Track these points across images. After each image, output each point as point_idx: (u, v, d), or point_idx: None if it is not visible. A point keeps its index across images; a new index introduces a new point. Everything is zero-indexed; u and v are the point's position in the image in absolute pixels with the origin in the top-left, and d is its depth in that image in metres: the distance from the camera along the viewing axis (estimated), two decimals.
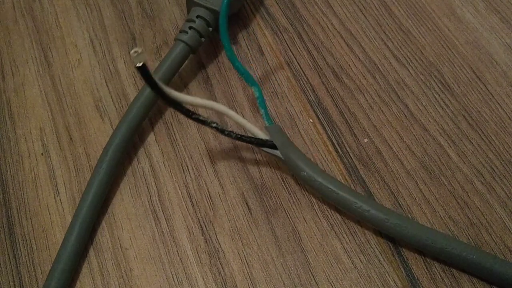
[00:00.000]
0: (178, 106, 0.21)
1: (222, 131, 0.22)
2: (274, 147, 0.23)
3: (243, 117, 0.24)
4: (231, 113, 0.23)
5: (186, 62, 0.28)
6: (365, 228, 0.23)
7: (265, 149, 0.23)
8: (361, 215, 0.22)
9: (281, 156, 0.23)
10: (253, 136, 0.23)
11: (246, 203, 0.24)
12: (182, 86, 0.27)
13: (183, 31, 0.26)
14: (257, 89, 0.24)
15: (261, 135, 0.23)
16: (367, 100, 0.27)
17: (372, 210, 0.21)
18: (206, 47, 0.29)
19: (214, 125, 0.22)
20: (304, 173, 0.22)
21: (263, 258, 0.22)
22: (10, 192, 0.25)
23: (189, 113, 0.21)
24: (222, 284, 0.22)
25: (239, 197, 0.24)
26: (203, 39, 0.26)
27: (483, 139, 0.25)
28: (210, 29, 0.27)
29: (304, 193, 0.24)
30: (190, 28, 0.26)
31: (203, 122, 0.22)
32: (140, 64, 0.18)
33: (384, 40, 0.29)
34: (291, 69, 0.28)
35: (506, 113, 0.26)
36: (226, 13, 0.24)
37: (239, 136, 0.23)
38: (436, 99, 0.26)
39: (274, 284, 0.22)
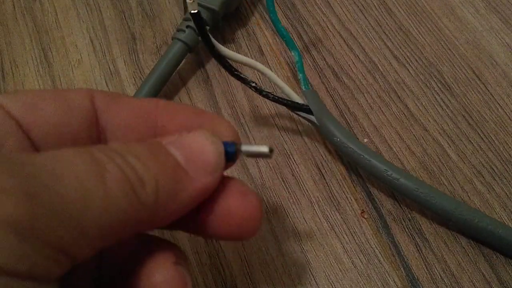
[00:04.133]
0: (223, 60, 0.21)
1: (260, 91, 0.22)
2: (309, 111, 0.23)
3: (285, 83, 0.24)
4: (271, 74, 0.23)
5: (186, 61, 0.28)
6: (365, 228, 0.23)
7: (300, 113, 0.24)
8: (391, 183, 0.22)
9: (315, 121, 0.23)
10: (289, 99, 0.23)
11: None
12: (182, 86, 0.27)
13: (180, 29, 0.26)
14: (297, 53, 0.24)
15: (297, 99, 0.23)
16: (367, 100, 0.27)
17: (402, 179, 0.22)
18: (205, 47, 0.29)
19: (253, 84, 0.22)
20: (337, 139, 0.23)
21: (263, 258, 0.22)
22: None
23: (232, 69, 0.22)
24: (222, 284, 0.22)
25: None
26: (200, 38, 0.26)
27: (482, 139, 0.25)
28: (208, 27, 0.27)
29: (304, 193, 0.24)
30: (188, 27, 0.26)
31: (243, 80, 0.22)
32: (195, 11, 0.18)
33: (384, 40, 0.29)
34: (291, 69, 0.28)
35: (506, 113, 0.26)
36: None
37: (276, 97, 0.23)
38: (436, 99, 0.26)
39: (274, 284, 0.22)
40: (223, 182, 0.15)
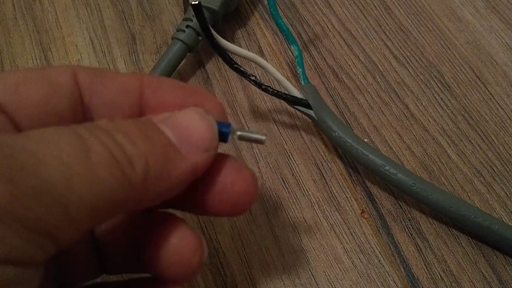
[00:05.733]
0: (223, 53, 0.21)
1: (259, 85, 0.23)
2: (308, 106, 0.23)
3: (285, 77, 0.24)
4: (271, 68, 0.23)
5: (187, 61, 0.28)
6: (365, 228, 0.23)
7: (299, 107, 0.24)
8: (389, 178, 0.22)
9: (314, 115, 0.23)
10: (288, 94, 0.23)
11: None
12: None
13: (180, 29, 0.26)
14: (296, 48, 0.24)
15: (297, 93, 0.24)
16: (367, 100, 0.27)
17: (400, 174, 0.22)
18: (206, 47, 0.29)
19: (253, 78, 0.22)
20: (335, 134, 0.23)
21: (263, 258, 0.22)
22: None
23: (232, 62, 0.22)
24: (222, 284, 0.22)
25: None
26: (200, 38, 0.26)
27: (482, 139, 0.25)
28: None
29: (304, 193, 0.24)
30: (187, 26, 0.26)
31: (243, 74, 0.22)
32: (196, 2, 0.18)
33: (384, 40, 0.29)
34: (291, 69, 0.28)
35: (505, 113, 0.26)
36: None
37: (275, 91, 0.23)
38: (436, 99, 0.26)
39: (274, 284, 0.22)
40: (218, 159, 0.15)
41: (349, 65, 0.28)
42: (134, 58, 0.28)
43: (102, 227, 0.16)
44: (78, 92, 0.14)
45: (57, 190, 0.10)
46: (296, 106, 0.24)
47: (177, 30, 0.26)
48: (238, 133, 0.15)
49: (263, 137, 0.15)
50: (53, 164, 0.10)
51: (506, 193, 0.24)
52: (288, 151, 0.25)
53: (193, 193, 0.15)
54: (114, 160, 0.12)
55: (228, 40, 0.29)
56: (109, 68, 0.28)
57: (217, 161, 0.15)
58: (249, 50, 0.29)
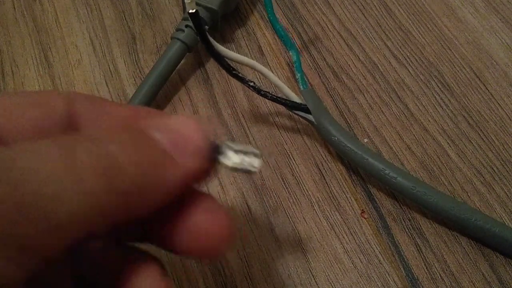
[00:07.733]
0: (221, 60, 0.21)
1: (258, 90, 0.23)
2: (307, 111, 0.23)
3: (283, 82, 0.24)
4: (270, 74, 0.23)
5: (186, 61, 0.28)
6: (365, 228, 0.23)
7: (298, 112, 0.24)
8: (389, 182, 0.22)
9: (313, 120, 0.23)
10: (287, 99, 0.24)
11: (246, 203, 0.24)
12: (182, 86, 0.27)
13: (179, 29, 0.26)
14: (295, 53, 0.25)
15: (296, 98, 0.24)
16: (367, 100, 0.27)
17: (400, 178, 0.22)
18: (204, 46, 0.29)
19: (252, 83, 0.22)
20: (335, 138, 0.23)
21: (263, 258, 0.22)
22: None
23: (230, 68, 0.22)
24: (222, 284, 0.22)
25: (239, 197, 0.24)
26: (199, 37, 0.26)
27: (483, 139, 0.25)
28: (207, 27, 0.27)
29: (304, 193, 0.24)
30: (187, 26, 0.26)
31: (242, 80, 0.22)
32: (193, 11, 0.18)
33: (384, 40, 0.29)
34: (291, 69, 0.28)
35: (506, 113, 0.26)
36: None
37: (274, 97, 0.23)
38: (436, 99, 0.26)
39: (274, 284, 0.22)
40: (194, 197, 0.14)
41: (349, 65, 0.28)
42: (134, 58, 0.28)
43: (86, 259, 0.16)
44: (72, 119, 0.14)
45: (45, 204, 0.10)
46: (296, 111, 0.24)
47: (177, 30, 0.26)
48: (230, 163, 0.14)
49: (253, 169, 0.14)
50: (41, 177, 0.10)
51: (506, 193, 0.24)
52: (288, 151, 0.25)
53: (164, 231, 0.14)
54: (103, 170, 0.11)
55: (227, 40, 0.29)
56: (109, 68, 0.28)
57: (191, 198, 0.14)
58: (248, 50, 0.29)
